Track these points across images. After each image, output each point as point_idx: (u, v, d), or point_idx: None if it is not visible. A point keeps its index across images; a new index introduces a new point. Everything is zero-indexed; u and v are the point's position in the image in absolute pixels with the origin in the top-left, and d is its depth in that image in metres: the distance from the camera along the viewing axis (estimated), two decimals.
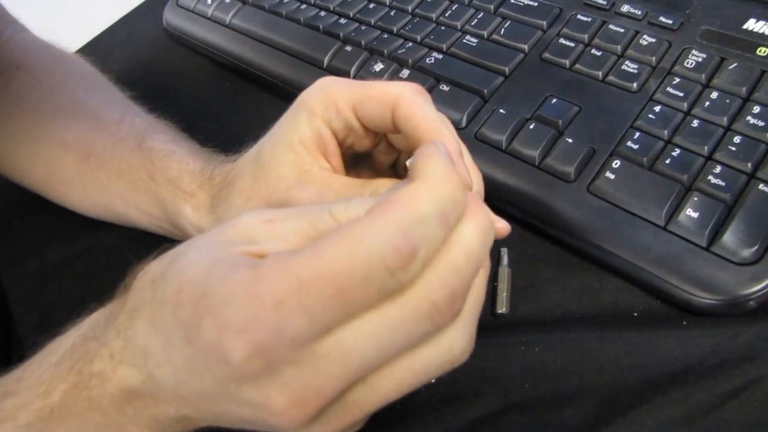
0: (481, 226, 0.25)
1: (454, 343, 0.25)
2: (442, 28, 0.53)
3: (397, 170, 0.38)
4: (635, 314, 0.38)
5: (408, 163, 0.27)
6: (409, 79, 0.49)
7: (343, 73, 0.52)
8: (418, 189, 0.24)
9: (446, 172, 0.25)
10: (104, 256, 0.50)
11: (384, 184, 0.33)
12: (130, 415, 0.28)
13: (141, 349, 0.26)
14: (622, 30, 0.48)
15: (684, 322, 0.37)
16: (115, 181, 0.46)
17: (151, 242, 0.49)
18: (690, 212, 0.38)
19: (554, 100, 0.45)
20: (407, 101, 0.31)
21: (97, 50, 0.68)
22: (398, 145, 0.36)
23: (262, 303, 0.23)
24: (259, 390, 0.24)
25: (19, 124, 0.50)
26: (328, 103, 0.34)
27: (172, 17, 0.66)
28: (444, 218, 0.24)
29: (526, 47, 0.49)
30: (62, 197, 0.50)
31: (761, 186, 0.38)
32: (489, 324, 0.39)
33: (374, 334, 0.23)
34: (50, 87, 0.51)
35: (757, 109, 0.41)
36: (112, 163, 0.47)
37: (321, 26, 0.56)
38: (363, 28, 0.55)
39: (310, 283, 0.22)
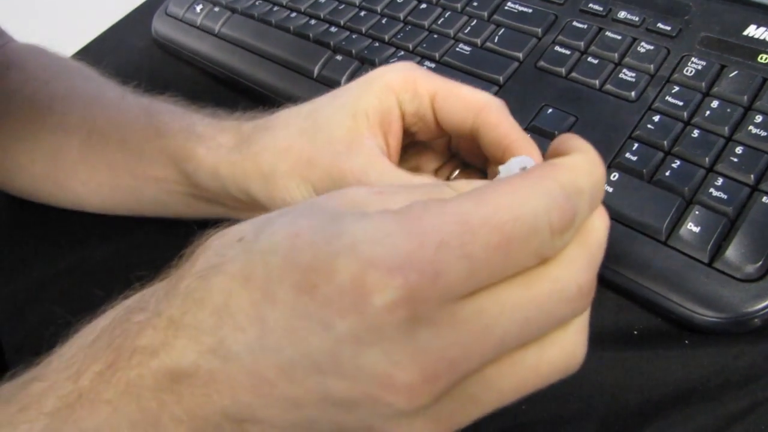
0: (607, 225, 0.24)
1: (578, 347, 0.24)
2: (435, 36, 0.51)
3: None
4: (635, 332, 0.37)
5: (503, 168, 0.27)
6: None
7: (333, 83, 0.51)
8: (580, 161, 0.23)
9: (598, 156, 0.24)
10: (91, 273, 0.49)
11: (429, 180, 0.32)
12: (169, 404, 0.22)
13: (215, 309, 0.22)
14: (620, 37, 0.47)
15: (686, 341, 0.36)
16: (120, 151, 0.45)
17: (141, 258, 0.48)
18: (691, 226, 0.37)
19: (550, 110, 0.44)
20: (497, 109, 0.32)
21: (86, 59, 0.67)
22: (463, 149, 0.36)
23: (422, 241, 0.20)
24: (389, 354, 0.20)
25: (16, 121, 0.48)
26: (408, 83, 0.34)
27: (161, 26, 0.65)
28: (593, 199, 0.23)
29: (520, 55, 0.48)
30: (65, 188, 0.48)
31: (765, 198, 0.37)
32: None
33: (521, 308, 0.21)
34: (45, 80, 0.50)
35: (759, 118, 0.40)
36: (116, 133, 0.45)
37: (311, 35, 0.55)
38: (354, 36, 0.54)
39: (476, 227, 0.20)
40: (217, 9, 0.62)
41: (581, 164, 0.23)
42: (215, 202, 0.42)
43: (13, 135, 0.48)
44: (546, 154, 0.26)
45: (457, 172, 0.37)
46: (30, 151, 0.48)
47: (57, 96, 0.48)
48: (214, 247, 0.24)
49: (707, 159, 0.39)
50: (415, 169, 0.39)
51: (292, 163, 0.35)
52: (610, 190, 0.39)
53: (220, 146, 0.39)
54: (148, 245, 0.48)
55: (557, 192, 0.22)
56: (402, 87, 0.34)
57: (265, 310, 0.21)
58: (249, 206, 0.40)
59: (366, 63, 0.51)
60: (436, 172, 0.38)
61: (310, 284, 0.20)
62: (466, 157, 0.36)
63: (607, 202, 0.39)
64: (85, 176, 0.47)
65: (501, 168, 0.28)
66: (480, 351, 0.21)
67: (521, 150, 0.32)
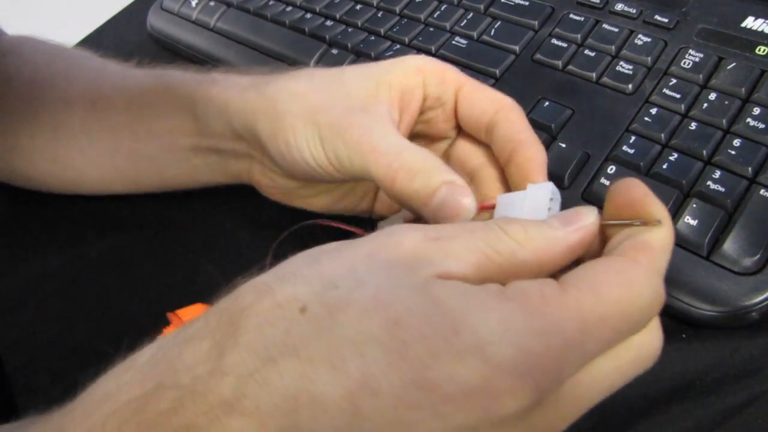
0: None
1: (655, 345, 0.26)
2: (431, 29, 0.51)
3: None
4: None
5: (619, 193, 0.27)
6: None
7: None
8: (668, 239, 0.26)
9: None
10: (87, 270, 0.48)
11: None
12: None
13: (288, 399, 0.20)
14: (617, 29, 0.46)
15: (683, 335, 0.36)
16: (125, 113, 0.44)
17: (134, 255, 0.48)
18: (689, 219, 0.36)
19: (546, 103, 0.44)
20: (516, 109, 0.35)
21: None
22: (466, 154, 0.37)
23: (549, 341, 0.21)
24: None
25: (16, 103, 0.47)
26: (437, 70, 0.36)
27: (156, 21, 0.65)
28: None
29: (517, 48, 0.48)
30: (63, 162, 0.47)
31: (762, 191, 0.36)
32: None
33: (608, 378, 0.24)
34: (44, 62, 0.49)
35: (757, 110, 0.39)
36: (122, 97, 0.45)
37: (307, 29, 0.55)
38: (350, 30, 0.53)
39: (593, 326, 0.22)
40: (212, 3, 0.61)
41: (669, 242, 0.26)
42: (216, 152, 0.42)
43: (14, 116, 0.47)
44: (616, 192, 0.27)
45: None
46: (30, 129, 0.47)
47: (58, 73, 0.48)
48: (265, 314, 0.22)
49: (705, 152, 0.39)
50: None
51: (306, 106, 0.35)
52: (607, 183, 0.39)
53: (235, 85, 0.39)
54: (145, 241, 0.48)
55: (658, 280, 0.24)
56: (431, 71, 0.36)
57: (363, 401, 0.20)
58: (247, 153, 0.40)
59: (362, 56, 0.51)
60: None
61: (427, 382, 0.20)
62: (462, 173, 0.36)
63: (604, 196, 0.38)
64: (85, 143, 0.46)
65: (530, 186, 0.30)
66: (572, 418, 0.23)
67: (530, 148, 0.33)
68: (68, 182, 0.49)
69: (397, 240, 0.24)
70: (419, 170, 0.31)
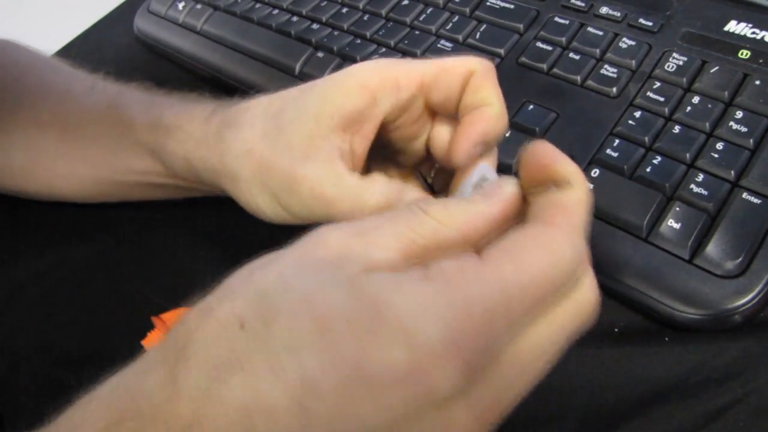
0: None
1: (592, 301, 0.25)
2: (417, 32, 0.51)
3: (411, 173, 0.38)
4: (616, 330, 0.37)
5: (528, 161, 0.27)
6: None
7: None
8: (584, 196, 0.26)
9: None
10: (72, 274, 0.48)
11: (383, 185, 0.32)
12: None
13: (243, 414, 0.21)
14: (601, 33, 0.46)
15: (666, 338, 0.36)
16: (96, 146, 0.44)
17: (118, 259, 0.47)
18: (672, 223, 0.36)
19: (531, 107, 0.44)
20: (481, 75, 0.32)
21: (68, 58, 0.67)
22: (436, 149, 0.35)
23: (471, 315, 0.21)
24: (445, 414, 0.21)
25: None
26: (386, 79, 0.32)
27: (143, 24, 0.65)
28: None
29: (502, 51, 0.48)
30: (47, 184, 0.48)
31: (745, 195, 0.36)
32: None
33: (549, 340, 0.24)
34: (14, 76, 0.49)
35: (739, 114, 0.40)
36: (89, 129, 0.44)
37: (293, 32, 0.55)
38: (335, 33, 0.53)
39: (517, 295, 0.22)
40: (199, 6, 0.61)
41: (583, 197, 0.26)
42: (199, 189, 0.42)
43: None
44: (525, 159, 0.27)
45: (435, 168, 0.37)
46: (7, 148, 0.47)
47: (27, 91, 0.48)
48: (215, 337, 0.22)
49: (688, 155, 0.39)
50: (393, 171, 0.38)
51: (253, 168, 0.34)
52: (591, 186, 0.39)
53: (188, 138, 0.38)
54: (129, 245, 0.48)
55: (580, 240, 0.24)
56: (380, 84, 0.32)
57: (309, 403, 0.20)
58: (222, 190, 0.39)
59: (348, 60, 0.51)
60: (413, 171, 0.38)
61: (363, 374, 0.20)
62: (442, 160, 0.35)
63: None
64: (65, 172, 0.46)
65: (463, 182, 0.30)
66: (520, 388, 0.23)
67: (487, 99, 0.32)
68: (56, 198, 0.49)
69: (322, 240, 0.24)
70: (379, 202, 0.31)
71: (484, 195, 0.26)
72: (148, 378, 0.22)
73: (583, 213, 0.25)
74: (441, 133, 0.35)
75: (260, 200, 0.35)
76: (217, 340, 0.22)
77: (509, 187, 0.27)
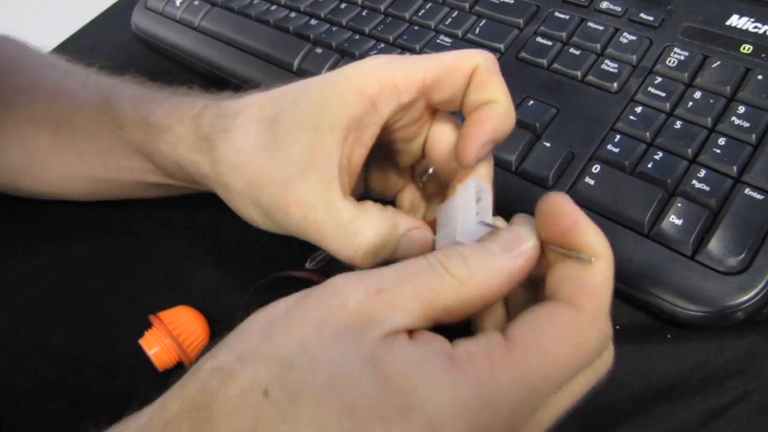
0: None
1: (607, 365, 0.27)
2: (416, 27, 0.51)
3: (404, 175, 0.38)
4: (617, 327, 0.36)
5: (460, 188, 0.29)
6: None
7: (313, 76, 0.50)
8: (608, 274, 0.26)
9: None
10: (69, 273, 0.48)
11: (374, 211, 0.32)
12: None
13: None
14: (602, 27, 0.46)
15: (668, 336, 0.35)
16: (89, 143, 0.44)
17: (116, 257, 0.47)
18: (674, 219, 0.36)
19: (531, 102, 0.43)
20: (484, 70, 0.31)
21: (66, 54, 0.66)
22: (434, 151, 0.34)
23: (498, 410, 0.22)
24: None
25: None
26: (385, 84, 0.31)
27: (140, 20, 0.65)
28: None
29: (502, 47, 0.47)
30: (42, 181, 0.47)
31: (747, 190, 0.36)
32: None
33: (567, 405, 0.25)
34: (10, 72, 0.48)
35: (742, 109, 0.39)
36: (82, 126, 0.44)
37: (291, 27, 0.54)
38: (334, 29, 0.53)
39: (542, 385, 0.23)
40: (196, 2, 0.61)
41: (608, 275, 0.25)
42: (193, 189, 0.42)
43: None
44: (545, 216, 0.26)
45: (431, 170, 0.36)
46: (1, 144, 0.47)
47: (21, 87, 0.47)
48: (233, 401, 0.22)
49: (690, 150, 0.38)
50: (390, 170, 0.38)
51: (246, 181, 0.33)
52: (592, 182, 0.38)
53: (179, 141, 0.37)
54: (127, 243, 0.48)
55: (605, 322, 0.25)
56: (378, 89, 0.31)
57: None
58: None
59: (346, 55, 0.50)
60: (410, 170, 0.38)
61: None
62: (437, 164, 0.34)
63: (589, 195, 0.38)
64: (61, 170, 0.46)
65: (458, 187, 0.30)
66: None
67: (493, 96, 0.31)
68: (52, 195, 0.48)
69: (341, 302, 0.24)
70: (372, 240, 0.31)
71: (505, 246, 0.26)
72: None
73: (609, 290, 0.25)
74: (440, 135, 0.34)
75: (253, 213, 0.34)
76: (243, 408, 0.22)
77: (531, 240, 0.26)
